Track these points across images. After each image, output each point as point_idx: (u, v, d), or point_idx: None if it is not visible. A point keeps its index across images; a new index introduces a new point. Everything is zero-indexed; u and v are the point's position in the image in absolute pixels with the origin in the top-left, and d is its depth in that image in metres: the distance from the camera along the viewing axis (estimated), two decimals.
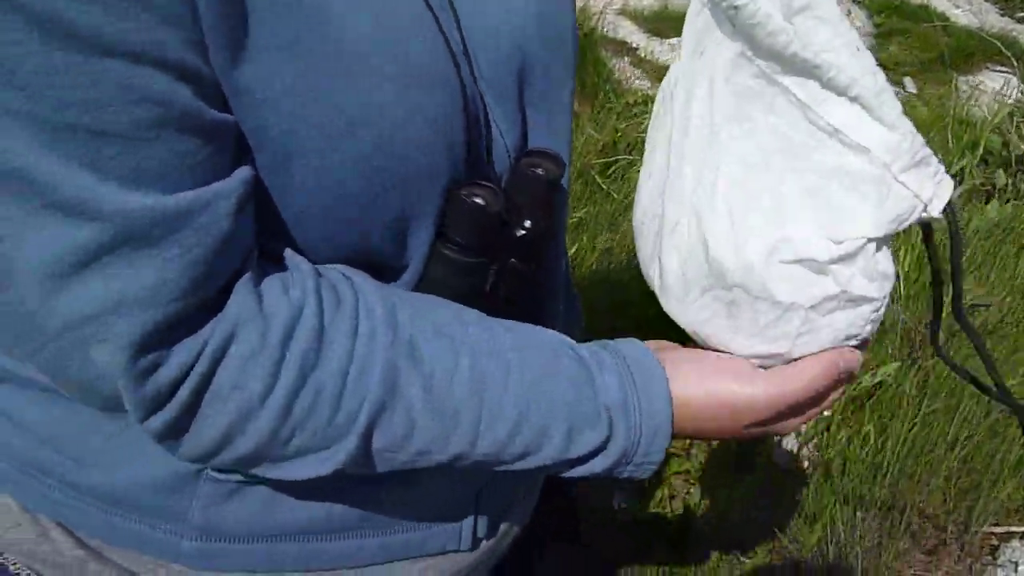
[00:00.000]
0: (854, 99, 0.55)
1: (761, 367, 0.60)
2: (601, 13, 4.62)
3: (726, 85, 0.57)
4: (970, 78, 4.73)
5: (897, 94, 3.69)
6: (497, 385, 0.55)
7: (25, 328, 0.47)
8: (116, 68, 0.42)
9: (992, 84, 4.44)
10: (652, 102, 4.03)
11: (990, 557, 1.88)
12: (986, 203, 2.99)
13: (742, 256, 0.56)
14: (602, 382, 0.57)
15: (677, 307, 0.62)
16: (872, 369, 2.27)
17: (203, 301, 0.48)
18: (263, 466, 0.54)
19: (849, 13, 5.45)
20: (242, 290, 0.50)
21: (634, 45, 4.82)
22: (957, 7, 5.84)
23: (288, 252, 0.55)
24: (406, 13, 0.54)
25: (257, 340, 0.50)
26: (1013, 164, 3.10)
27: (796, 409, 0.60)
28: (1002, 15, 5.96)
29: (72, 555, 0.65)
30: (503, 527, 0.75)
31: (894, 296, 2.52)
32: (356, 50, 0.51)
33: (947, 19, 5.49)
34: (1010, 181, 3.04)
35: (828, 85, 0.54)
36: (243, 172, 0.50)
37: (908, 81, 4.76)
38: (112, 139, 0.43)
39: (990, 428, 1.92)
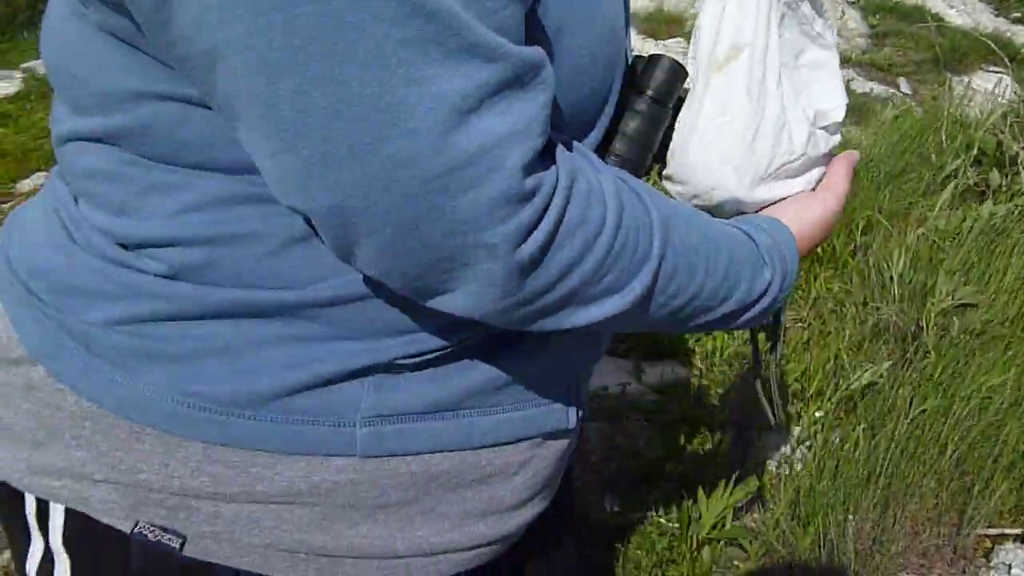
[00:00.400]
0: (824, 16, 0.82)
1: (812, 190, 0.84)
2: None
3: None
4: (964, 78, 4.73)
5: (892, 95, 3.68)
6: (710, 234, 0.67)
7: (390, 183, 0.49)
8: None
9: (986, 84, 4.44)
10: None
11: (984, 560, 1.87)
12: (980, 203, 2.98)
13: (803, 133, 0.79)
14: (757, 239, 0.72)
15: (747, 187, 0.79)
16: (865, 369, 2.27)
17: (549, 141, 0.54)
18: (572, 308, 0.59)
19: (843, 14, 5.45)
20: (560, 145, 0.57)
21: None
22: (951, 7, 5.85)
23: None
24: None
25: (590, 183, 0.57)
26: (1007, 164, 3.10)
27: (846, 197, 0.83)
28: (996, 15, 5.97)
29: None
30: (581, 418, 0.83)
31: (888, 297, 2.52)
32: None
33: (941, 20, 5.50)
34: (1004, 181, 3.03)
35: (815, 7, 0.81)
36: None
37: (903, 82, 4.77)
38: None
39: (982, 431, 1.91)
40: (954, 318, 2.28)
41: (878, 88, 4.59)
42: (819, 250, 2.89)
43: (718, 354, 2.44)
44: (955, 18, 5.67)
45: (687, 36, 4.83)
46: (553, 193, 0.53)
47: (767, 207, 0.79)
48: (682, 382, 2.40)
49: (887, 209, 2.98)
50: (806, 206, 0.78)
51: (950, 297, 2.18)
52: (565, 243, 0.55)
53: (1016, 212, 2.83)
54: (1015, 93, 3.58)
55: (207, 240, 0.60)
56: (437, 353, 0.65)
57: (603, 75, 0.66)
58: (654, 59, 0.73)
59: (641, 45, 4.79)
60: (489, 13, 0.48)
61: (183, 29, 0.48)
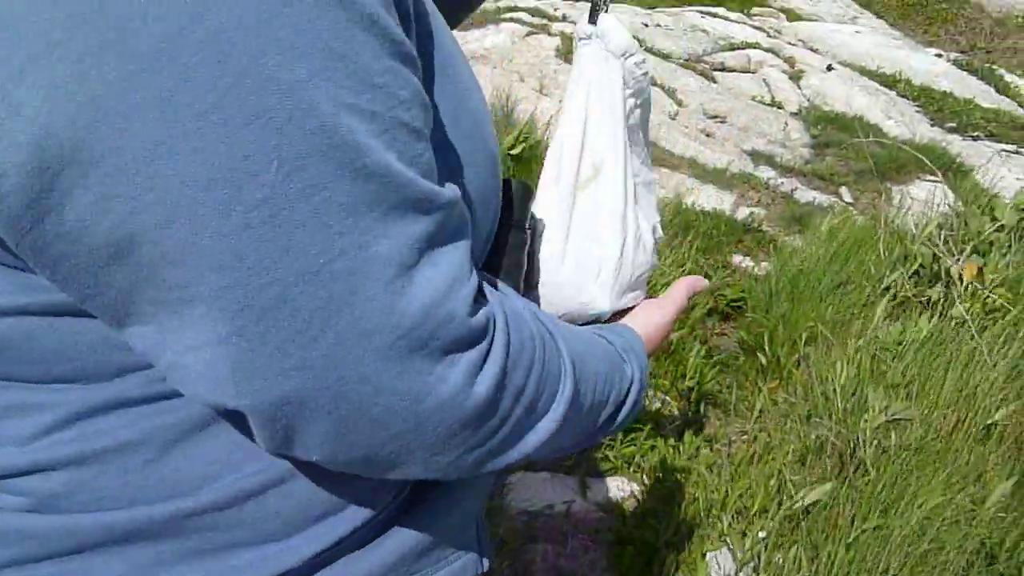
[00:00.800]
0: (646, 144, 0.94)
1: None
2: (548, 124, 4.73)
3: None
4: (903, 188, 4.89)
5: (833, 203, 3.79)
6: (588, 344, 0.69)
7: (353, 353, 0.47)
8: (406, 70, 0.48)
9: (922, 194, 4.60)
10: None
11: None
12: (919, 315, 3.05)
13: (651, 243, 0.91)
14: (614, 342, 0.75)
15: (614, 299, 0.88)
16: (810, 487, 2.28)
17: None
18: (517, 438, 0.58)
19: (786, 125, 5.64)
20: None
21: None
22: (890, 118, 6.08)
23: None
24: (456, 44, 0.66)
25: (511, 306, 0.58)
26: (943, 276, 3.18)
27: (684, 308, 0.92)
28: (932, 126, 6.22)
29: None
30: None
31: (828, 412, 2.54)
32: (459, 68, 0.62)
33: (880, 131, 5.71)
34: (942, 294, 3.11)
35: (645, 137, 0.91)
36: None
37: (844, 190, 4.91)
38: (416, 135, 0.48)
39: (922, 555, 1.92)
40: (892, 433, 2.31)
41: (820, 197, 4.73)
42: (764, 361, 2.94)
43: (663, 469, 2.44)
44: (893, 128, 5.89)
45: None
46: (495, 326, 0.54)
47: (620, 314, 0.89)
48: (628, 498, 2.38)
49: (829, 320, 3.04)
50: (651, 313, 0.88)
51: (883, 413, 2.21)
52: (514, 372, 0.55)
53: (952, 325, 2.89)
54: (948, 205, 3.70)
55: (73, 461, 0.54)
56: (359, 530, 0.62)
57: (490, 211, 0.67)
58: (507, 185, 0.74)
59: None
60: (417, 159, 0.48)
61: (70, 223, 0.43)
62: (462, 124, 0.60)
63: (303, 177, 0.43)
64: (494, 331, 0.54)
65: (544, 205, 0.84)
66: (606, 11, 0.84)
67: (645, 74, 0.84)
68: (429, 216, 0.48)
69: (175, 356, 0.48)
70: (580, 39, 0.85)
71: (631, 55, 0.83)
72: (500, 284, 0.66)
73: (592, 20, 0.83)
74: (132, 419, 0.54)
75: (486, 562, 0.75)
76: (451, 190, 0.52)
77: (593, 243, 0.85)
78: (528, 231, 0.76)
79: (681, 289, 0.93)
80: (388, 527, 0.64)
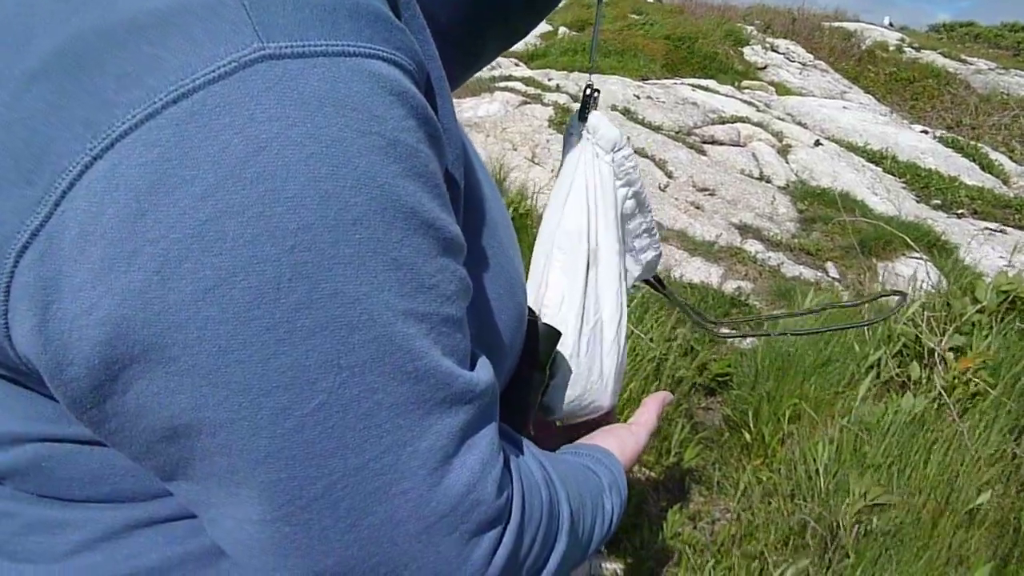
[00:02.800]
0: (652, 234, 0.99)
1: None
2: (537, 192, 4.79)
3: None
4: (888, 264, 4.95)
5: (820, 279, 3.81)
6: (580, 486, 0.72)
7: (373, 549, 0.49)
8: (454, 264, 0.50)
9: (908, 271, 4.66)
10: None
11: None
12: (901, 396, 3.07)
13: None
14: (601, 474, 0.78)
15: (614, 398, 0.94)
16: (788, 566, 2.27)
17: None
18: None
19: (774, 199, 5.72)
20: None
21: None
22: (875, 195, 6.17)
23: None
24: (497, 193, 0.70)
25: (529, 478, 0.60)
26: (926, 356, 3.21)
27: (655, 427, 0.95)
28: (918, 202, 6.31)
29: None
30: None
31: (811, 492, 2.55)
32: (499, 227, 0.66)
33: (866, 206, 5.80)
34: (923, 374, 3.14)
35: (647, 223, 0.97)
36: None
37: (831, 266, 4.97)
38: (459, 326, 0.51)
39: None
40: (873, 517, 2.32)
41: (807, 272, 4.78)
42: (748, 438, 2.95)
43: (645, 548, 2.44)
44: (879, 204, 5.98)
45: None
46: (512, 504, 0.56)
47: (586, 430, 0.91)
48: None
49: (813, 398, 3.06)
50: (625, 441, 0.88)
51: (862, 498, 2.22)
52: (523, 545, 0.58)
53: (934, 407, 2.91)
54: (932, 285, 3.75)
55: None
56: None
57: (513, 356, 0.71)
58: (532, 327, 0.77)
59: None
60: (456, 348, 0.51)
61: (130, 406, 0.45)
62: (499, 280, 0.64)
63: (358, 383, 0.45)
64: (511, 509, 0.56)
65: (558, 295, 0.89)
66: (595, 108, 0.88)
67: (634, 166, 0.90)
68: (467, 406, 0.51)
69: (218, 517, 0.50)
70: (570, 134, 0.90)
71: (620, 148, 0.88)
72: (518, 437, 0.68)
73: (583, 117, 0.88)
74: (166, 539, 0.56)
75: None
76: (485, 375, 0.54)
77: (596, 338, 0.89)
78: (548, 371, 0.80)
79: (651, 410, 0.95)
80: None
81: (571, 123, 0.89)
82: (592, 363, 0.89)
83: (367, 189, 0.44)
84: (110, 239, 0.41)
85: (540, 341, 0.78)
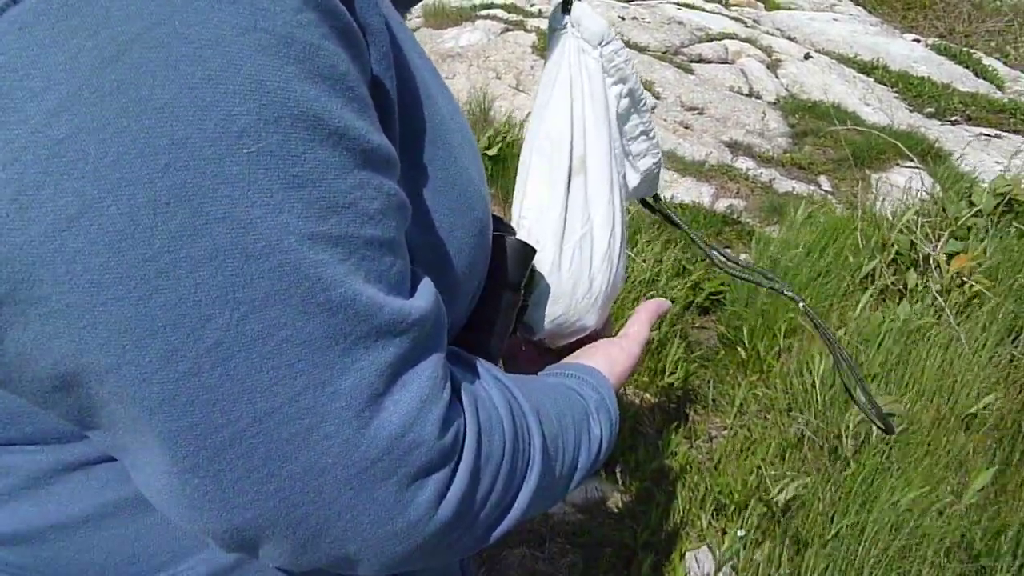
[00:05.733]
0: (650, 137, 0.87)
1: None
2: (523, 122, 4.70)
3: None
4: (882, 175, 4.87)
5: (813, 193, 3.76)
6: (560, 411, 0.66)
7: (296, 497, 0.44)
8: (378, 177, 0.44)
9: (902, 180, 4.58)
10: None
11: None
12: (897, 304, 3.03)
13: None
14: (587, 395, 0.72)
15: (601, 315, 0.86)
16: (788, 481, 2.25)
17: (452, 378, 0.52)
18: (485, 532, 0.56)
19: (764, 115, 5.62)
20: (458, 373, 0.54)
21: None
22: (867, 105, 6.07)
23: None
24: (449, 96, 0.63)
25: (488, 409, 0.54)
26: (921, 264, 3.16)
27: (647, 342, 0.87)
28: (911, 111, 6.21)
29: None
30: None
31: (808, 405, 2.52)
32: (450, 134, 0.58)
33: (858, 118, 5.69)
34: (920, 281, 3.09)
35: (643, 124, 0.86)
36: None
37: (823, 179, 4.89)
38: (388, 248, 0.45)
39: (900, 550, 1.89)
40: (873, 426, 2.29)
41: (800, 187, 4.71)
42: (743, 355, 2.91)
43: (642, 469, 2.41)
44: (871, 115, 5.87)
45: None
46: (464, 442, 0.51)
47: (572, 348, 0.85)
48: (606, 499, 2.35)
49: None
50: (614, 357, 0.81)
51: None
52: (479, 485, 0.52)
53: (932, 313, 2.87)
54: (926, 192, 3.68)
55: (30, 536, 0.52)
56: None
57: (476, 275, 0.65)
58: (500, 242, 0.70)
59: None
60: (385, 274, 0.45)
61: (10, 355, 0.41)
62: (450, 195, 0.57)
63: (260, 319, 0.40)
64: (462, 448, 0.50)
65: (536, 205, 0.81)
66: None
67: (626, 60, 0.80)
68: (398, 339, 0.45)
69: (136, 463, 0.45)
70: (554, 29, 0.81)
71: (608, 43, 0.79)
72: (479, 364, 0.60)
73: (566, 8, 0.79)
74: (99, 484, 0.52)
75: None
76: (425, 301, 0.48)
77: (584, 253, 0.81)
78: (522, 291, 0.73)
79: (643, 320, 0.88)
80: None
81: (553, 17, 0.81)
82: (578, 278, 0.81)
83: (254, 95, 0.38)
84: None
85: (509, 258, 0.71)
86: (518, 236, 0.76)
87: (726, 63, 6.64)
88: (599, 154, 0.80)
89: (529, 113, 4.85)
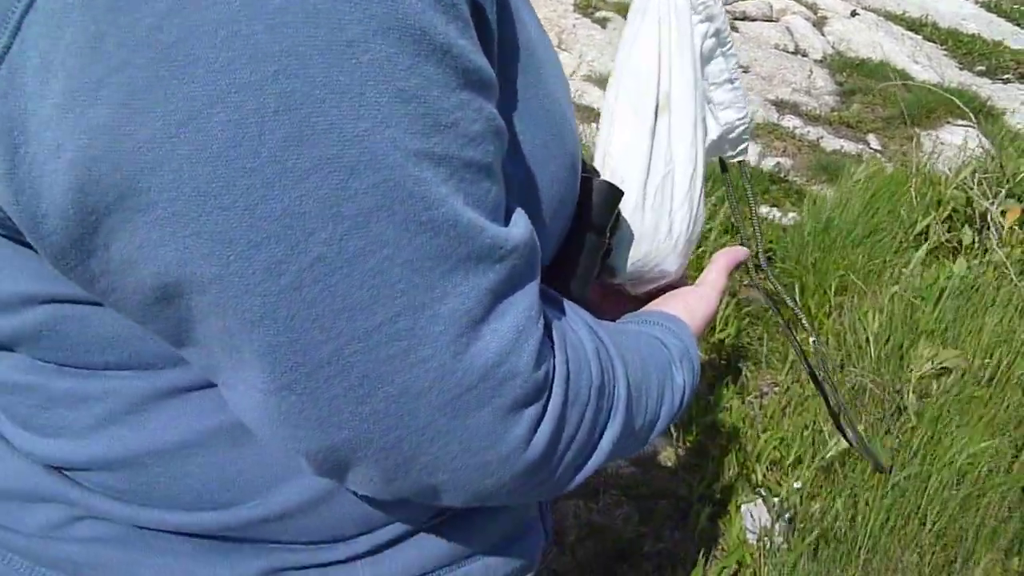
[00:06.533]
0: (735, 87, 0.83)
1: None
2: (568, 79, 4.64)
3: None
4: (932, 133, 4.78)
5: (861, 151, 3.70)
6: (645, 361, 0.65)
7: (394, 420, 0.44)
8: (479, 99, 0.43)
9: (953, 139, 4.49)
10: None
11: None
12: (953, 260, 2.99)
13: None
14: (670, 344, 0.71)
15: (681, 261, 0.83)
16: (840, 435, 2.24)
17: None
18: (568, 476, 0.56)
19: (811, 73, 5.53)
20: (547, 312, 0.53)
21: (600, 111, 4.84)
22: (916, 63, 5.94)
23: None
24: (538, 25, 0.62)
25: (576, 350, 0.53)
26: (977, 220, 3.11)
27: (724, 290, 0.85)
28: (961, 69, 6.07)
29: None
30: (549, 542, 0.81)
31: (861, 361, 2.50)
32: (542, 65, 0.57)
33: (907, 76, 5.58)
34: (976, 238, 3.04)
35: (729, 71, 0.82)
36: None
37: (872, 138, 4.81)
38: (486, 172, 0.44)
39: (963, 501, 1.88)
40: (932, 381, 2.26)
41: (848, 145, 4.63)
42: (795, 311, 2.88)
43: (695, 423, 2.41)
44: (920, 73, 5.75)
45: None
46: (554, 379, 0.50)
47: (651, 296, 0.83)
48: (658, 453, 2.36)
49: (861, 269, 2.98)
50: (692, 305, 0.79)
51: (930, 362, 2.16)
52: (568, 424, 0.52)
53: (989, 269, 2.83)
54: (982, 148, 3.61)
55: (129, 462, 0.53)
56: (422, 524, 0.62)
57: (565, 212, 0.63)
58: (587, 184, 0.68)
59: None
60: (484, 198, 0.44)
61: (115, 263, 0.41)
62: (543, 126, 0.56)
63: (364, 235, 0.40)
64: (553, 384, 0.50)
65: (622, 143, 0.78)
66: None
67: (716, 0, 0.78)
68: (497, 265, 0.45)
69: (229, 382, 0.46)
70: None
71: None
72: (567, 305, 0.60)
73: None
74: (195, 412, 0.52)
75: (538, 546, 0.75)
76: (520, 230, 0.47)
77: (666, 193, 0.79)
78: (608, 234, 0.71)
79: (720, 267, 0.85)
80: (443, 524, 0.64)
81: None
82: (659, 220, 0.79)
83: (364, 4, 0.37)
84: (70, 68, 0.36)
85: (595, 199, 0.69)
86: (603, 177, 0.74)
87: (771, 21, 6.52)
88: (684, 91, 0.77)
89: (570, 76, 4.81)
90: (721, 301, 0.83)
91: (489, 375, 0.45)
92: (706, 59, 0.80)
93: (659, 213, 0.79)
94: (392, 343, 0.42)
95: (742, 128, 0.86)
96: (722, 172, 0.96)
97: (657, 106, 0.77)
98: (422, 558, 0.63)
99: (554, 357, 0.51)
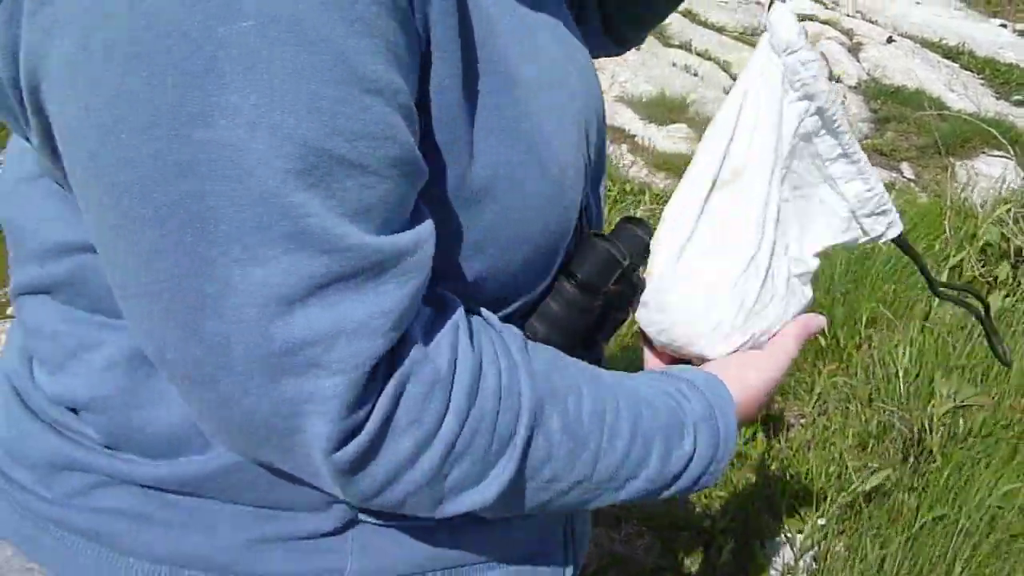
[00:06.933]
0: (853, 161, 0.76)
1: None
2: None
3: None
4: (967, 163, 4.73)
5: (895, 180, 3.66)
6: (612, 409, 0.61)
7: (211, 356, 0.48)
8: (378, 105, 0.46)
9: (989, 170, 4.44)
10: (648, 191, 4.02)
11: None
12: (987, 295, 2.94)
13: (784, 279, 0.77)
14: (688, 404, 0.65)
15: (722, 344, 0.75)
16: (870, 472, 2.21)
17: (400, 336, 0.51)
18: (420, 503, 0.55)
19: (845, 99, 5.50)
20: (414, 330, 0.53)
21: (632, 132, 4.84)
22: (952, 91, 5.89)
23: (440, 291, 0.58)
24: (558, 57, 0.65)
25: (431, 377, 0.52)
26: (1012, 256, 3.07)
27: (790, 367, 0.76)
28: (997, 99, 6.01)
29: None
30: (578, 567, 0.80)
31: (890, 396, 2.46)
32: (531, 90, 0.59)
33: (943, 104, 5.53)
34: (1011, 274, 3.00)
35: (842, 147, 0.75)
36: (430, 219, 0.54)
37: (905, 167, 4.77)
38: (358, 172, 0.46)
39: (993, 547, 1.85)
40: (959, 419, 2.23)
41: (881, 173, 4.59)
42: (823, 343, 2.85)
43: None
44: (956, 102, 5.70)
45: (689, 122, 4.86)
46: (379, 394, 0.50)
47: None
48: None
49: (892, 301, 2.95)
50: (746, 372, 0.72)
51: (951, 399, 2.13)
52: (393, 444, 0.51)
53: (1022, 307, 2.79)
54: (1019, 179, 3.56)
55: (122, 403, 0.59)
56: None
57: (544, 243, 0.63)
58: (588, 244, 0.68)
59: (644, 131, 4.82)
60: (345, 195, 0.46)
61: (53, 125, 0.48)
62: (514, 146, 0.58)
63: (206, 189, 0.44)
64: (378, 398, 0.50)
65: (675, 205, 0.75)
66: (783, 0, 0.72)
67: (815, 76, 0.72)
68: (326, 256, 0.46)
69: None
70: (764, 28, 0.74)
71: (793, 51, 0.71)
72: (497, 338, 0.59)
73: (770, 8, 0.72)
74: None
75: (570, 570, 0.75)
76: (396, 240, 0.49)
77: (707, 268, 0.73)
78: (599, 298, 0.68)
79: (792, 333, 0.76)
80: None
81: (761, 20, 0.77)
82: (691, 295, 0.74)
83: None
84: None
85: (588, 256, 0.68)
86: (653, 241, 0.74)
87: None
88: (757, 169, 0.73)
89: (606, 91, 4.82)
90: (787, 374, 0.75)
91: (292, 352, 0.47)
92: (807, 137, 0.75)
93: (691, 288, 0.74)
94: (208, 289, 0.46)
95: (876, 199, 0.78)
96: (905, 253, 0.87)
97: (716, 180, 0.74)
98: (416, 551, 0.64)
99: (389, 378, 0.51)
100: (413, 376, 0.52)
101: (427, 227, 0.52)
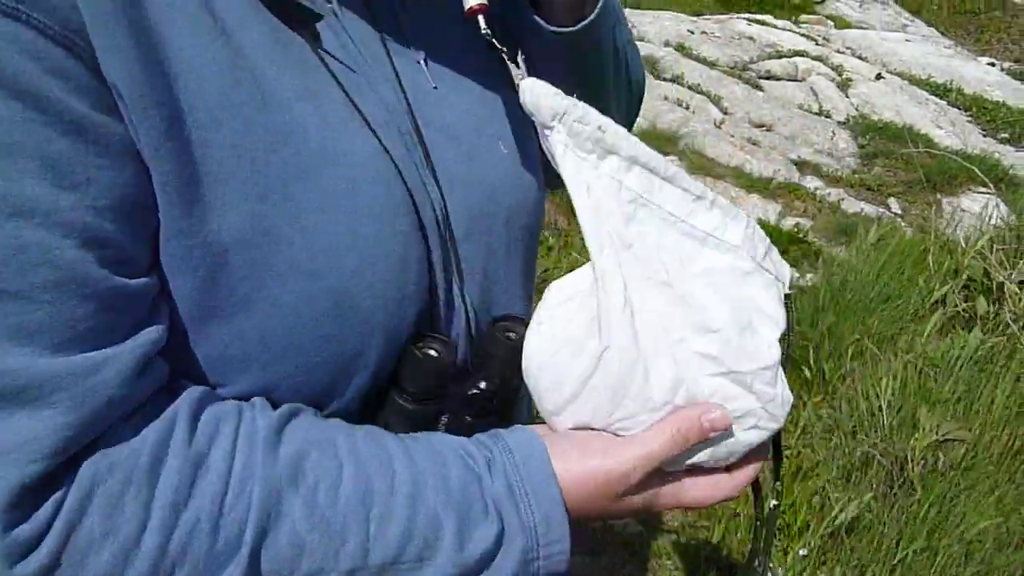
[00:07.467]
0: (711, 201, 0.63)
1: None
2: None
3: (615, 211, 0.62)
4: (953, 200, 4.79)
5: (882, 215, 3.70)
6: (383, 491, 0.55)
7: None
8: (28, 229, 0.45)
9: (974, 206, 4.50)
10: None
11: None
12: (968, 330, 2.98)
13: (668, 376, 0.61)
14: (488, 480, 0.58)
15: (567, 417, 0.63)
16: (849, 500, 2.23)
17: (75, 455, 0.48)
18: None
19: (833, 135, 5.56)
20: (112, 431, 0.50)
21: None
22: (940, 128, 5.97)
23: (182, 383, 0.55)
24: (362, 153, 0.58)
25: (122, 482, 0.49)
26: (994, 291, 3.11)
27: (664, 475, 0.63)
28: (984, 136, 6.09)
29: None
30: None
31: (874, 428, 2.49)
32: (318, 198, 0.55)
33: (930, 140, 5.60)
34: (992, 309, 3.04)
35: (690, 191, 0.62)
36: (149, 333, 0.51)
37: (893, 202, 4.83)
38: (8, 299, 0.45)
39: None
40: (940, 453, 2.26)
41: (868, 208, 4.65)
42: (808, 375, 2.89)
43: None
44: (943, 138, 5.78)
45: (680, 154, 4.92)
46: (57, 514, 0.48)
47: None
48: (666, 512, 2.35)
49: (876, 334, 2.98)
50: (587, 454, 0.60)
51: (934, 432, 2.16)
52: (89, 559, 0.49)
53: (1003, 342, 2.82)
54: (1000, 218, 3.62)
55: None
56: None
57: (325, 344, 0.57)
58: (412, 359, 0.62)
59: None
60: (9, 319, 0.46)
61: None
62: (251, 232, 0.53)
63: None
64: (57, 512, 0.48)
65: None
66: (522, 78, 0.61)
67: (600, 127, 0.60)
68: None
69: None
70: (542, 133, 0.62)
71: (563, 114, 0.59)
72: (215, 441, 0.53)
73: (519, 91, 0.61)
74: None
75: None
76: (52, 366, 0.47)
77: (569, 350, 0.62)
78: (418, 405, 0.62)
79: (664, 430, 0.60)
80: None
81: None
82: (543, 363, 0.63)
83: None
84: None
85: (407, 362, 0.62)
86: None
87: (795, 80, 6.58)
88: (598, 258, 0.60)
89: None
90: (648, 471, 0.60)
91: None
92: (644, 202, 0.62)
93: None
94: None
95: (756, 231, 0.65)
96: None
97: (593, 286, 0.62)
98: None
99: (67, 492, 0.48)
100: (100, 485, 0.49)
101: (119, 350, 0.49)
